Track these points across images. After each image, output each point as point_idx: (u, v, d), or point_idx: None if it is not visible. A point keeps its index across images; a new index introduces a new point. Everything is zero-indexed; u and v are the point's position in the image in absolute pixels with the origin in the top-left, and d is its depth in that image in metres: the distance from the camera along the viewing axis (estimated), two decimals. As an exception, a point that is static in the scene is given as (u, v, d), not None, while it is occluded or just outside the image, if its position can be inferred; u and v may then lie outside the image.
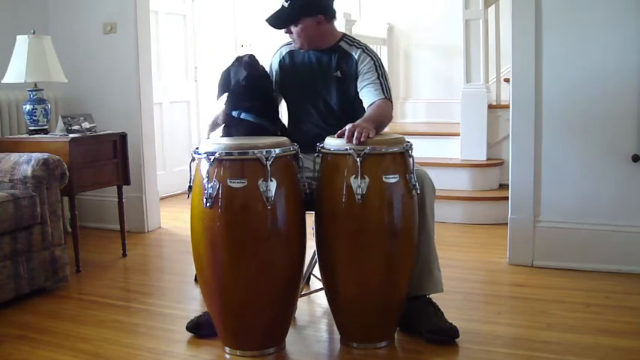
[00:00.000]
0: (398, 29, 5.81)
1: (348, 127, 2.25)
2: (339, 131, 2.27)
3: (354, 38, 2.68)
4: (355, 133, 2.20)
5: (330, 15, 2.59)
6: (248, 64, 2.59)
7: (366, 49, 2.60)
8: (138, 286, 3.20)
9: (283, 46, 2.75)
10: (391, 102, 2.53)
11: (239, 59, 2.64)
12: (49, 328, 2.60)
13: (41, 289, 2.98)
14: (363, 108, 2.53)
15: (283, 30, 2.61)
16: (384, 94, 2.51)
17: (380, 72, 2.55)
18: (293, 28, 2.57)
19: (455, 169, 4.49)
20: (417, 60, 5.80)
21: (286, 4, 2.55)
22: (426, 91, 5.75)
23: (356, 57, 2.58)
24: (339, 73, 2.59)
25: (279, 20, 2.58)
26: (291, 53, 2.70)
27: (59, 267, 3.03)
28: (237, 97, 2.62)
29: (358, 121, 2.30)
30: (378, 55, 2.65)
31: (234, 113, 2.60)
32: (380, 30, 5.67)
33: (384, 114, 2.47)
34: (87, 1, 4.21)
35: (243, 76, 2.57)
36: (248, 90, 2.58)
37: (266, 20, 2.59)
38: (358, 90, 2.57)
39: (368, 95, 2.53)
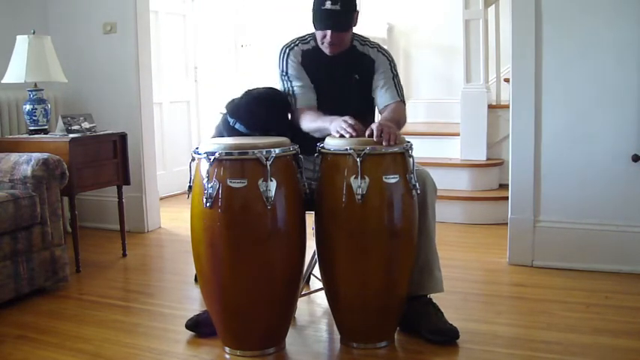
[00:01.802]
0: (398, 29, 5.81)
1: (374, 126, 2.20)
2: (367, 132, 2.21)
3: (363, 36, 2.62)
4: (384, 135, 2.16)
5: None
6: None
7: (379, 48, 2.59)
8: (138, 286, 3.20)
9: (290, 49, 2.58)
10: (405, 104, 2.53)
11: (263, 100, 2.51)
12: (49, 328, 2.59)
13: (41, 289, 2.97)
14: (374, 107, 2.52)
15: (331, 36, 2.42)
16: (399, 97, 2.51)
17: (394, 73, 2.55)
18: (341, 34, 2.44)
19: (455, 169, 4.49)
20: (417, 60, 5.79)
21: (338, 8, 2.36)
22: (425, 91, 5.74)
23: (372, 56, 2.56)
24: (357, 75, 2.55)
25: (345, 25, 2.43)
26: (302, 55, 2.56)
27: (59, 267, 3.03)
28: (237, 108, 2.55)
29: (383, 121, 2.27)
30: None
31: (230, 121, 2.56)
32: (380, 30, 5.66)
33: (401, 118, 2.47)
34: (87, 1, 4.21)
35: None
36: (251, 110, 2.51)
37: (329, 27, 2.41)
38: (372, 88, 2.55)
39: (383, 96, 2.52)
